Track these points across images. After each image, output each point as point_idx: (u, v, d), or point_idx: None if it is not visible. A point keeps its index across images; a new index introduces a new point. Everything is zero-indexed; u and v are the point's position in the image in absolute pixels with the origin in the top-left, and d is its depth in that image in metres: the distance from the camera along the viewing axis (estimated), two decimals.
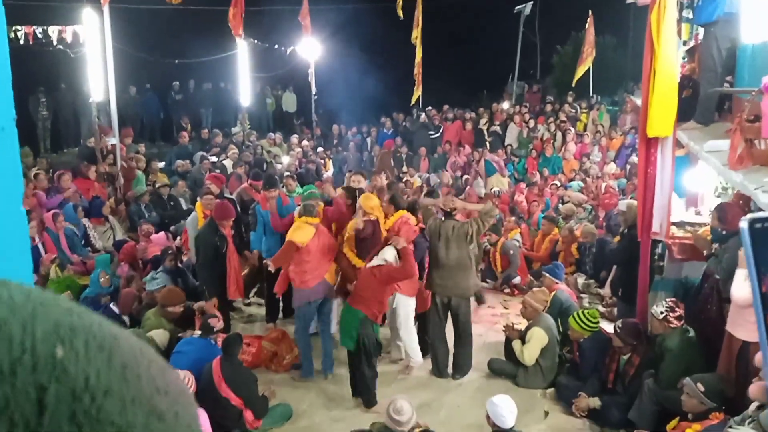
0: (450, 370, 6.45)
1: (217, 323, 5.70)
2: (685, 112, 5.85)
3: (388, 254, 5.68)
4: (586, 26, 16.43)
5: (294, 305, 6.47)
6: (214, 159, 12.75)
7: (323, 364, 6.38)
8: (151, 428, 0.39)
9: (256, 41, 15.75)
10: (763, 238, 0.61)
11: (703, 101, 5.67)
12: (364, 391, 5.83)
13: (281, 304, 7.83)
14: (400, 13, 16.29)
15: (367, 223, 6.25)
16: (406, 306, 6.39)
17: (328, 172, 14.35)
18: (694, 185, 7.04)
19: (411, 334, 6.44)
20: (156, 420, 0.40)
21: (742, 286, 4.37)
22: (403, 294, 6.30)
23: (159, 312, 6.27)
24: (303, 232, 6.10)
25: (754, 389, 4.04)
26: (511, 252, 8.87)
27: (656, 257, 6.21)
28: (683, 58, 6.84)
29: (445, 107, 17.26)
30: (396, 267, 5.65)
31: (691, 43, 7.22)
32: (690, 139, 5.38)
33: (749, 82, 4.88)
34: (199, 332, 5.77)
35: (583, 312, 5.97)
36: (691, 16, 7.16)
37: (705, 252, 5.35)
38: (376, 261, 5.70)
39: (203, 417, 4.86)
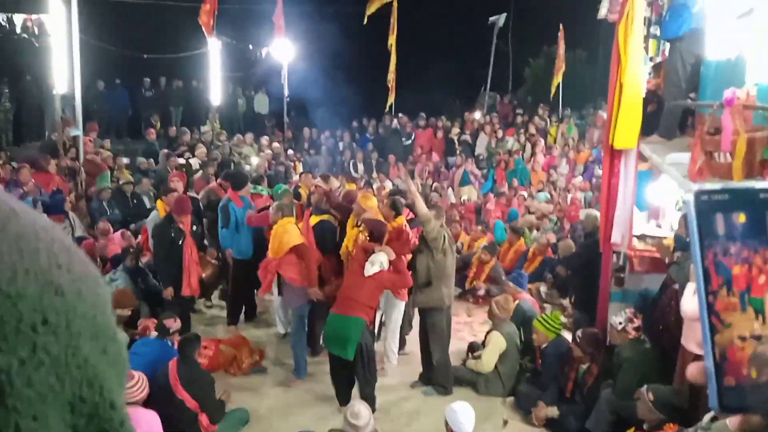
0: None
1: (174, 324, 5.55)
2: (650, 126, 5.92)
3: (383, 259, 5.55)
4: (558, 40, 16.63)
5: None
6: (181, 161, 12.48)
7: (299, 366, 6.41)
8: (47, 301, 0.40)
9: (229, 40, 15.56)
10: (708, 210, 0.60)
11: (667, 115, 5.76)
12: (369, 395, 5.55)
13: (243, 307, 7.72)
14: (367, 15, 15.66)
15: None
16: (400, 310, 6.49)
17: (297, 176, 14.20)
18: (656, 199, 7.15)
19: (396, 337, 6.58)
20: (52, 293, 0.40)
21: (691, 300, 4.41)
22: (400, 299, 6.34)
23: None
24: (296, 233, 6.12)
25: (692, 369, 4.09)
26: (503, 278, 8.69)
27: (613, 269, 6.28)
28: (649, 74, 6.94)
29: (421, 114, 17.25)
30: (397, 275, 5.60)
31: (658, 59, 7.34)
32: (653, 152, 5.45)
33: (712, 97, 4.97)
34: (156, 333, 5.63)
35: (546, 315, 6.03)
36: (658, 33, 7.28)
37: (666, 260, 5.42)
38: (371, 267, 5.50)
39: (156, 418, 4.73)
